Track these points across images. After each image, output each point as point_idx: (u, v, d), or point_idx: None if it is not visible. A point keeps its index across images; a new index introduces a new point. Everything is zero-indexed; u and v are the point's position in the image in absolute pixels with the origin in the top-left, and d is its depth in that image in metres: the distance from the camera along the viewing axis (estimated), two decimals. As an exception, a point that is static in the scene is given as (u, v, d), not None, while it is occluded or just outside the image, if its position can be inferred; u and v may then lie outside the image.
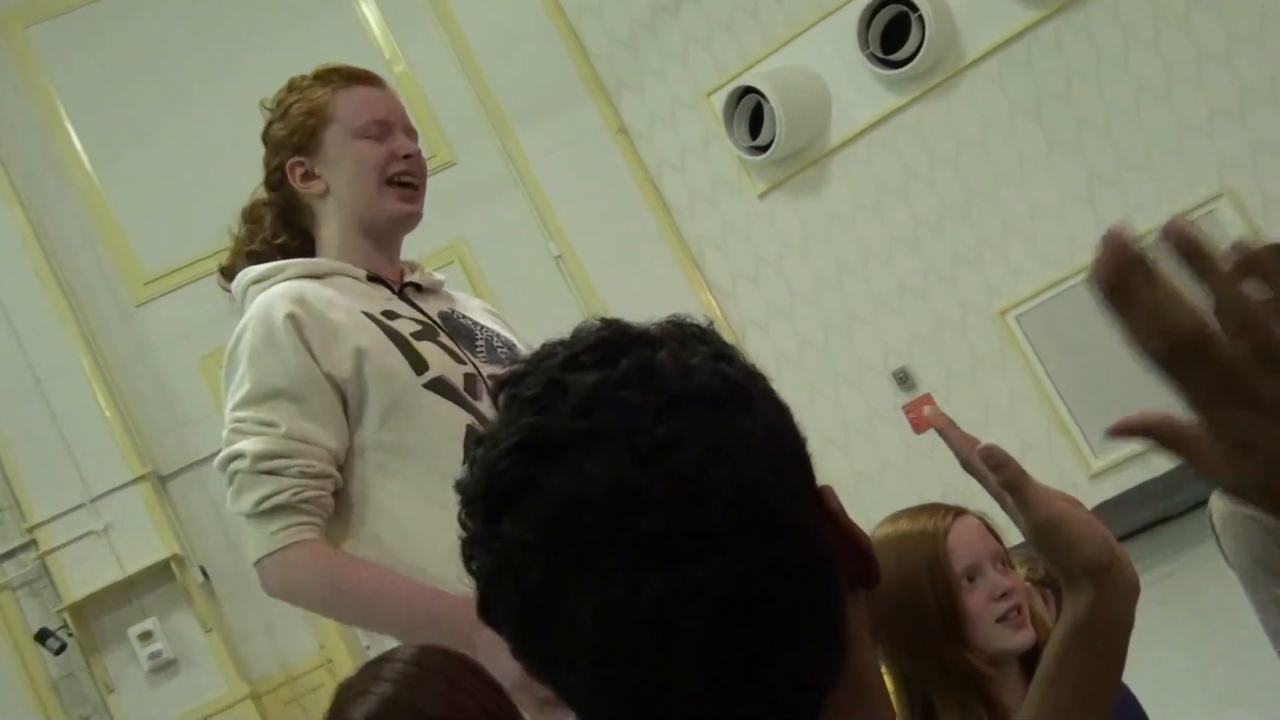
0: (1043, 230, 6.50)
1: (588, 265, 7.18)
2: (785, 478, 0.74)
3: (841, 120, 6.87)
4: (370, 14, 7.40)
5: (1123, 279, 0.70)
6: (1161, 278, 0.70)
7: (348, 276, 2.07)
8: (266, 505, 1.88)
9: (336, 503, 1.95)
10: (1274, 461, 0.69)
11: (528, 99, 7.33)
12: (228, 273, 2.22)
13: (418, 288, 2.15)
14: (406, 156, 2.10)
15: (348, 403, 1.94)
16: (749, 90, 6.87)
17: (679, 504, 0.69)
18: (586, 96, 7.36)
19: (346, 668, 6.54)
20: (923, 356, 6.75)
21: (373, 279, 2.09)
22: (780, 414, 0.78)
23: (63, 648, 6.17)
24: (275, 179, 2.15)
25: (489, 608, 0.73)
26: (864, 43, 6.67)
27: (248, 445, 1.91)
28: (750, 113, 6.96)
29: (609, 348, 0.73)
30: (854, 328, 6.90)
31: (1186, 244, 0.67)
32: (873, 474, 6.73)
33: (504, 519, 0.71)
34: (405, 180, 2.10)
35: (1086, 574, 0.99)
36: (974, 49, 6.55)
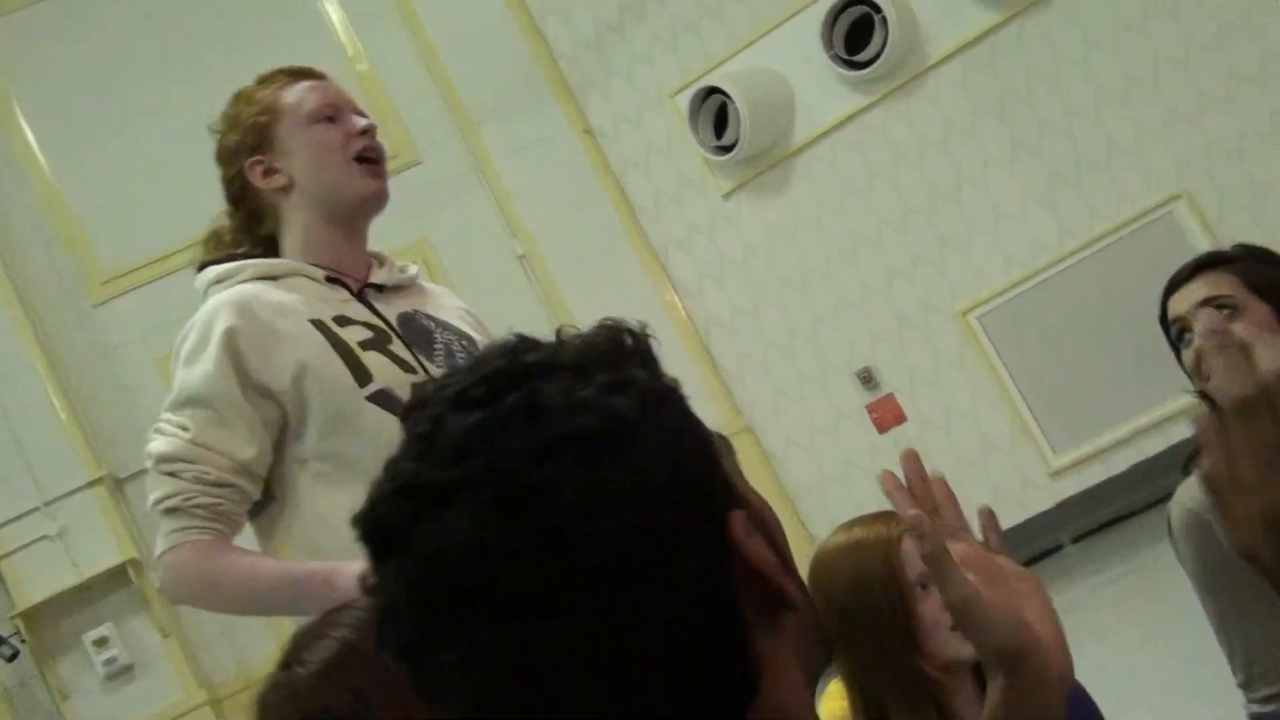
0: (1005, 231, 6.53)
1: (552, 265, 7.16)
2: (665, 521, 0.70)
3: (806, 121, 6.88)
4: (334, 12, 7.36)
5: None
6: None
7: (305, 277, 2.05)
8: (161, 506, 1.93)
9: (275, 511, 1.97)
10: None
11: (492, 99, 7.31)
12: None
13: (379, 289, 2.12)
14: (364, 132, 2.10)
15: (286, 413, 1.95)
16: (714, 90, 6.87)
17: (544, 557, 0.67)
18: (551, 97, 7.34)
19: (308, 671, 6.49)
20: (886, 356, 6.77)
21: (332, 280, 2.07)
22: (675, 447, 0.73)
23: (15, 655, 6.07)
24: (235, 189, 2.13)
25: (381, 642, 0.74)
26: (828, 44, 6.68)
27: (157, 445, 1.94)
28: (715, 113, 6.96)
29: (500, 380, 0.72)
30: (818, 328, 6.91)
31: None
32: (838, 474, 6.74)
33: (387, 564, 0.72)
34: (368, 156, 2.09)
35: (997, 662, 0.96)
36: (937, 50, 6.57)
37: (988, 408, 6.51)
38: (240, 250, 2.14)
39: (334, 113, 2.10)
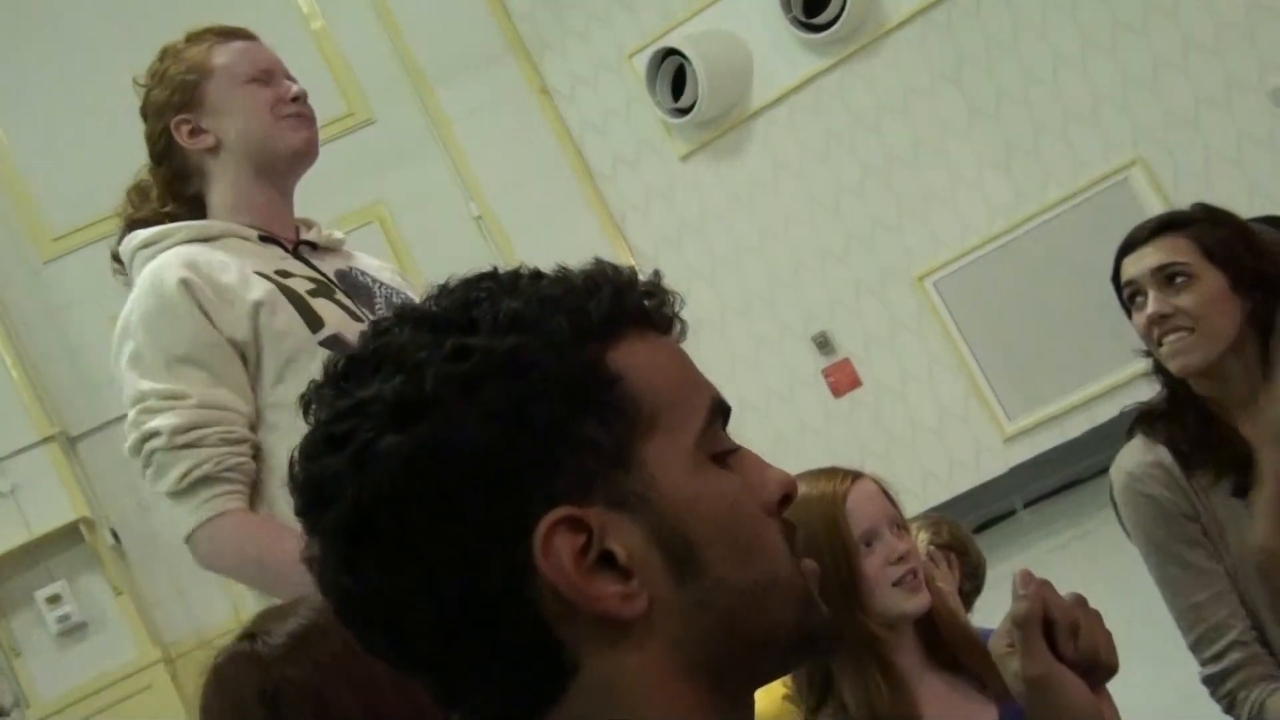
0: (961, 196, 6.56)
1: (508, 227, 7.13)
2: (426, 502, 0.73)
3: (764, 83, 6.87)
4: (287, -33, 7.26)
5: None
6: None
7: (238, 238, 2.00)
8: (190, 479, 1.83)
9: None
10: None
11: (448, 58, 7.24)
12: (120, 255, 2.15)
13: (313, 246, 2.09)
14: (295, 99, 2.05)
15: (248, 364, 1.90)
16: (671, 52, 6.85)
17: (308, 499, 0.76)
18: (508, 56, 7.29)
19: (262, 631, 6.48)
20: (842, 321, 6.80)
21: (265, 239, 2.02)
22: (485, 427, 0.73)
23: (-33, 612, 6.05)
24: (160, 147, 2.07)
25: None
26: (787, 6, 6.67)
27: (162, 421, 1.84)
28: (673, 75, 6.94)
29: (385, 322, 0.79)
30: (775, 292, 6.92)
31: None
32: (792, 437, 6.77)
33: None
34: (299, 117, 2.06)
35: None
36: (896, 14, 6.57)
37: (943, 373, 6.56)
38: (166, 209, 2.09)
39: (266, 77, 2.05)
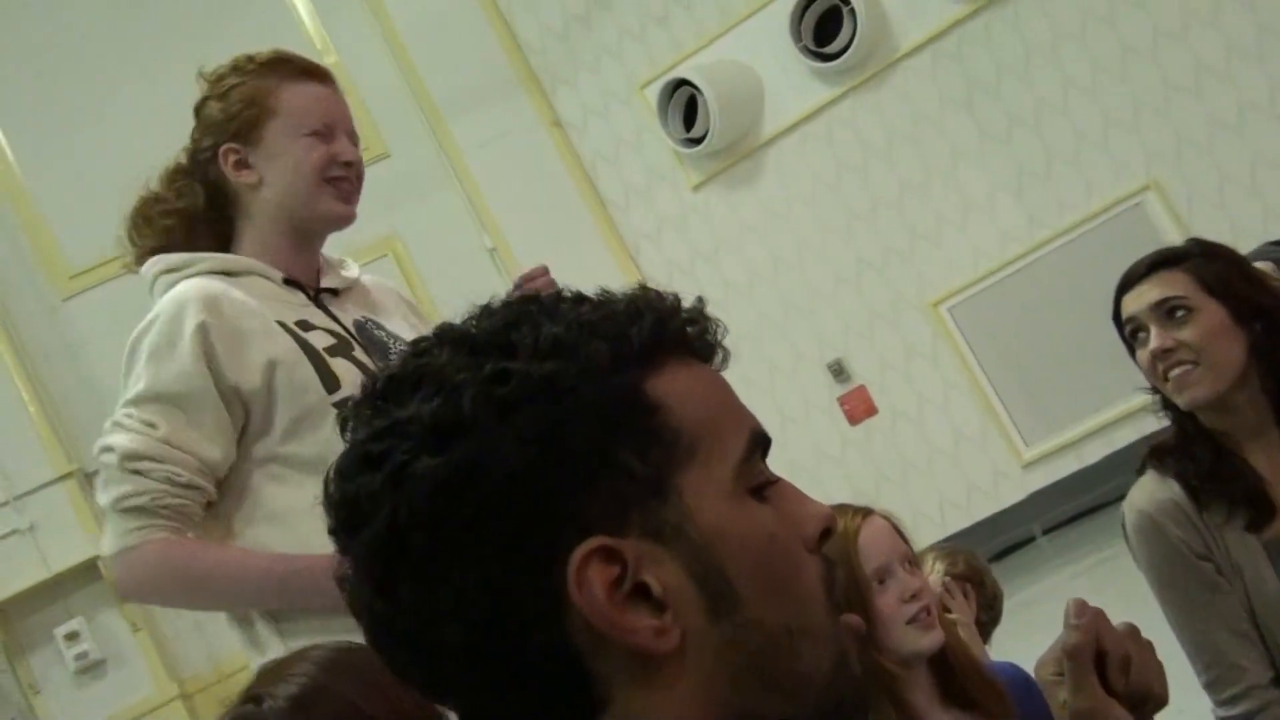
0: (974, 222, 6.56)
1: (522, 258, 7.14)
2: (459, 521, 0.71)
3: (775, 113, 6.89)
4: (301, 3, 7.32)
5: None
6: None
7: (263, 277, 2.00)
8: (125, 504, 1.86)
9: (223, 505, 1.92)
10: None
11: (461, 91, 7.29)
12: (140, 232, 2.13)
13: (334, 293, 2.08)
14: (348, 164, 2.02)
15: (251, 413, 1.90)
16: (683, 83, 6.88)
17: (344, 520, 0.76)
18: (520, 89, 7.33)
19: (279, 666, 6.47)
20: (857, 348, 6.79)
21: (288, 282, 2.02)
22: (522, 453, 0.72)
23: (-14, 649, 6.05)
24: (204, 159, 2.06)
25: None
26: (797, 36, 6.69)
27: (121, 440, 1.87)
28: (684, 105, 6.96)
29: (426, 342, 0.78)
30: (789, 320, 6.92)
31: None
32: (808, 465, 6.76)
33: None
34: (344, 184, 2.03)
35: None
36: (905, 42, 6.59)
37: (959, 399, 6.54)
38: (168, 222, 2.08)
39: (327, 131, 2.02)
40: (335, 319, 2.02)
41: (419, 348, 0.78)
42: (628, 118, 7.18)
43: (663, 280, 7.17)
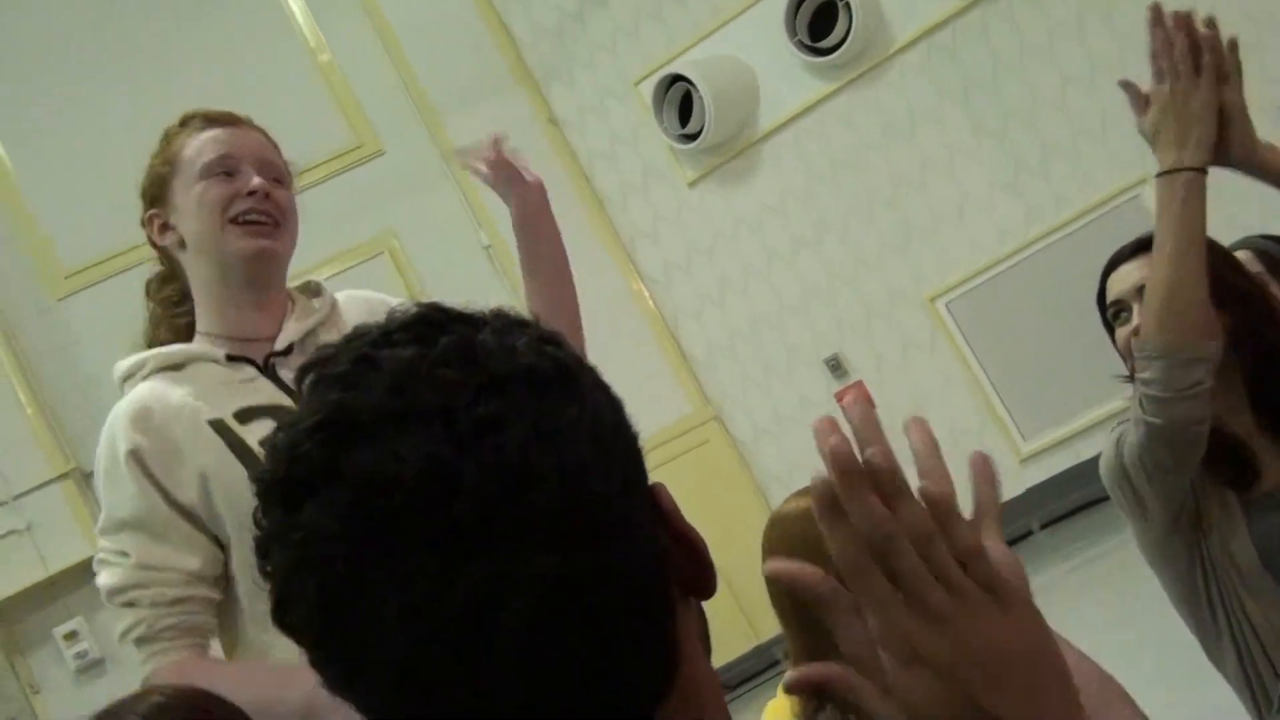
0: (971, 217, 6.55)
1: (518, 256, 7.13)
2: (615, 467, 0.67)
3: (770, 108, 6.89)
4: (295, 4, 7.31)
5: (841, 488, 0.70)
6: (868, 494, 0.70)
7: (207, 361, 1.91)
8: (130, 638, 1.84)
9: (227, 613, 1.87)
10: (941, 675, 0.69)
11: (456, 89, 7.28)
12: (165, 341, 2.09)
13: (288, 351, 1.95)
14: (251, 193, 1.90)
15: (210, 522, 1.84)
16: (678, 78, 6.87)
17: (499, 489, 0.63)
18: (515, 86, 7.32)
19: (278, 664, 6.48)
20: (854, 344, 6.79)
21: (233, 358, 1.92)
22: (612, 403, 0.70)
23: (-16, 649, 6.05)
24: (148, 236, 1.99)
25: (285, 612, 0.66)
26: (792, 30, 6.68)
27: (104, 578, 1.85)
28: (679, 101, 6.96)
29: (426, 325, 0.68)
30: (786, 316, 6.92)
31: (843, 471, 0.69)
32: (806, 462, 6.74)
33: (305, 506, 0.64)
34: (250, 219, 1.90)
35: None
36: (901, 36, 6.59)
37: (956, 394, 6.54)
38: (169, 296, 2.03)
39: (230, 165, 1.91)
40: (285, 387, 1.90)
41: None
42: (623, 114, 7.17)
43: (659, 277, 7.16)
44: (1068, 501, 6.20)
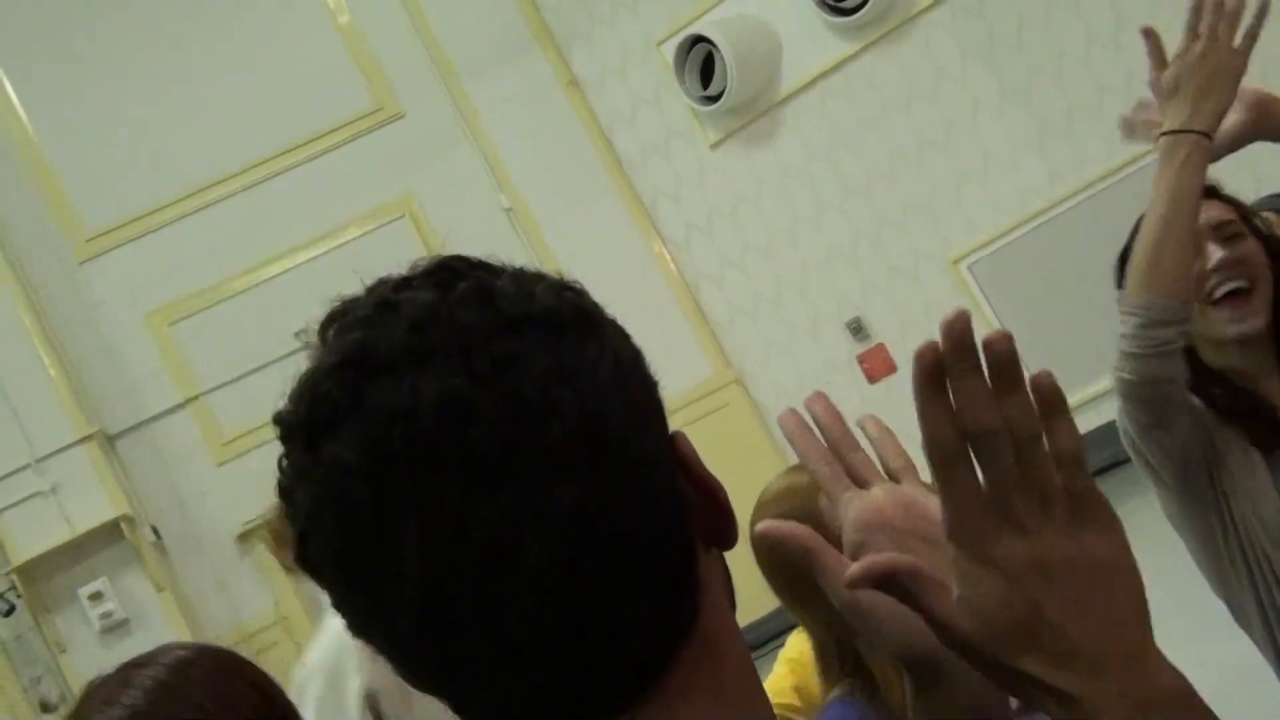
0: (995, 178, 6.50)
1: (539, 218, 7.12)
2: (634, 408, 0.67)
3: (793, 69, 6.83)
4: (314, -37, 7.27)
5: (944, 365, 0.66)
6: (979, 374, 0.66)
7: None
8: None
9: None
10: (1010, 580, 0.67)
11: (477, 51, 7.24)
12: None
13: None
14: None
15: None
16: (700, 39, 6.82)
17: (516, 420, 0.63)
18: (536, 48, 7.28)
19: (302, 626, 6.52)
20: (876, 306, 6.76)
21: None
22: (632, 349, 0.70)
23: (11, 609, 6.11)
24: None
25: (307, 549, 0.66)
26: (815, -11, 6.63)
27: None
28: (701, 62, 6.91)
29: (445, 272, 0.68)
30: (808, 278, 6.89)
31: (957, 346, 0.66)
32: (827, 424, 6.74)
33: (325, 443, 0.64)
34: None
35: (905, 669, 0.81)
36: (925, -4, 6.52)
37: (978, 356, 6.51)
38: None
39: None
40: None
41: None
42: (644, 75, 7.13)
43: (681, 240, 7.14)
44: (1091, 463, 6.17)
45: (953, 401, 0.66)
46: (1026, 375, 0.67)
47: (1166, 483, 1.91)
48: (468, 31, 7.25)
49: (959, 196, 6.55)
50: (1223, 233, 1.92)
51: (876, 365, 6.75)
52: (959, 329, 0.66)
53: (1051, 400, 0.67)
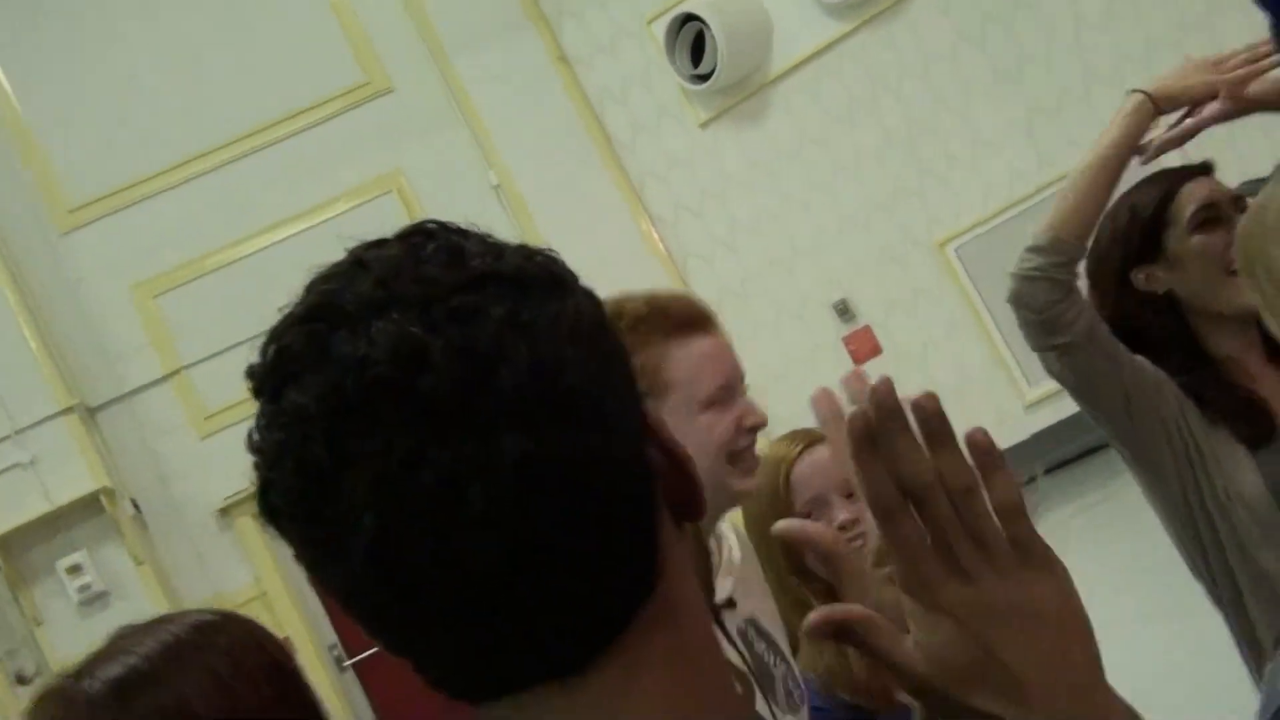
0: (983, 161, 6.49)
1: (528, 196, 7.10)
2: (594, 364, 0.67)
3: (784, 49, 6.81)
4: (303, -65, 7.22)
5: (876, 428, 0.70)
6: (908, 433, 0.70)
7: None
8: None
9: None
10: (961, 626, 0.70)
11: (467, 26, 7.20)
12: None
13: (730, 605, 1.64)
14: (753, 429, 1.64)
15: None
16: (691, 18, 6.79)
17: (467, 369, 0.64)
18: (527, 23, 7.24)
19: (282, 599, 6.51)
20: (863, 289, 6.75)
21: None
22: (600, 312, 0.70)
23: (-11, 581, 6.09)
24: None
25: (269, 498, 0.68)
26: (807, -31, 6.60)
27: None
28: (692, 41, 6.88)
29: (419, 234, 0.70)
30: (796, 259, 6.88)
31: (884, 407, 0.69)
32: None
33: (288, 392, 0.66)
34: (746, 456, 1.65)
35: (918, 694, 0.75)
36: (918, -24, 6.50)
37: (963, 340, 6.51)
38: None
39: (727, 395, 1.64)
40: (735, 646, 1.60)
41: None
42: (635, 53, 7.10)
43: (670, 219, 7.12)
44: (1073, 447, 6.19)
45: (888, 462, 0.70)
46: (959, 433, 0.70)
47: (1107, 421, 1.95)
48: (458, 6, 7.21)
49: (948, 179, 6.54)
50: (1239, 206, 1.95)
51: (862, 347, 6.75)
52: (885, 394, 0.69)
53: (986, 455, 0.71)
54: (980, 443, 0.70)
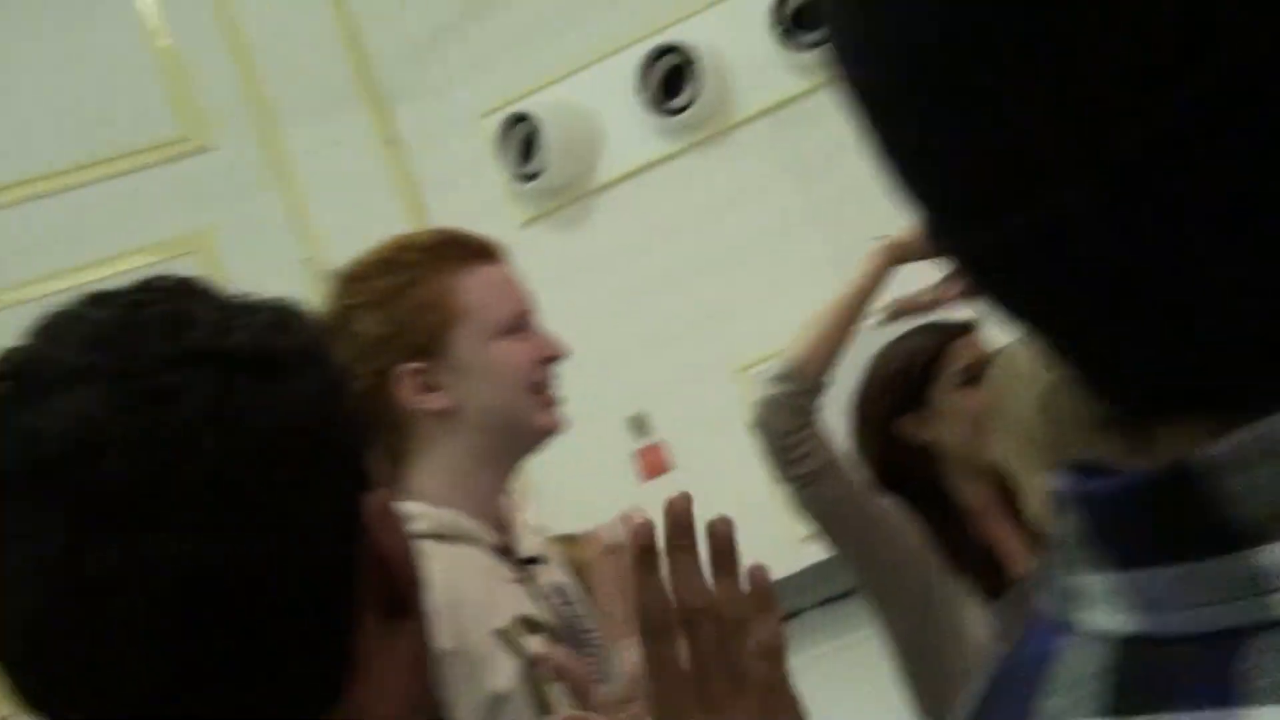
0: (795, 291, 6.61)
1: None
2: (293, 464, 0.64)
3: (613, 159, 6.91)
4: (141, -18, 7.07)
5: (666, 541, 0.73)
6: (694, 554, 0.73)
7: (476, 545, 1.55)
8: None
9: None
10: None
11: (299, 95, 7.12)
12: None
13: (534, 561, 1.60)
14: (551, 359, 1.61)
15: None
16: (524, 117, 6.85)
17: (147, 461, 0.60)
18: (361, 101, 7.20)
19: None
20: (663, 405, 6.81)
21: (498, 550, 1.57)
22: (327, 406, 0.68)
23: None
24: (364, 388, 1.57)
25: None
26: (642, 87, 6.73)
27: None
28: (522, 140, 6.93)
29: (152, 291, 0.67)
30: (596, 370, 6.88)
31: (677, 525, 0.72)
32: (604, 516, 6.72)
33: None
34: (548, 388, 1.58)
35: None
36: (745, 108, 6.68)
37: (751, 467, 6.58)
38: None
39: (521, 324, 1.65)
40: (544, 598, 1.59)
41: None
42: (465, 145, 7.11)
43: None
44: (842, 583, 6.29)
45: (668, 576, 0.73)
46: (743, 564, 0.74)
47: (846, 555, 2.04)
48: (294, 75, 7.13)
49: (757, 306, 6.69)
50: (977, 370, 2.02)
51: (653, 463, 6.78)
52: (680, 509, 0.73)
53: (764, 594, 0.74)
54: (759, 581, 0.71)
